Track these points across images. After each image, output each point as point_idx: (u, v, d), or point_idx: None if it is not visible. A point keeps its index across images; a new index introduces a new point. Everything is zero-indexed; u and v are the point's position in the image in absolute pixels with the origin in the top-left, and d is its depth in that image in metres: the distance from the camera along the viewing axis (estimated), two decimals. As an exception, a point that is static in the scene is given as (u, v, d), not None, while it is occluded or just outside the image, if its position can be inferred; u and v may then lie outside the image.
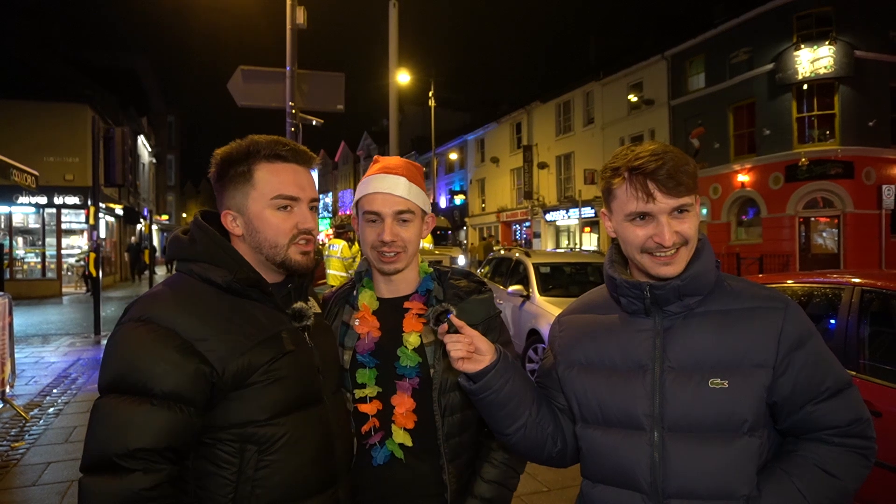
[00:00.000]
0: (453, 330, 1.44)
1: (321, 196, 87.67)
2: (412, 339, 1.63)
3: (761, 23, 21.32)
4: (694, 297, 1.38)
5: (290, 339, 1.42)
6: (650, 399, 1.36)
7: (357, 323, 1.68)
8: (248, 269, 1.41)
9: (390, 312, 1.68)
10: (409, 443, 1.59)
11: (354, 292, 1.75)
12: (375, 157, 1.77)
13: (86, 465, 1.23)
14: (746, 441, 1.31)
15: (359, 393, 1.62)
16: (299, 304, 1.48)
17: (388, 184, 1.64)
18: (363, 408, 1.61)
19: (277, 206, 1.42)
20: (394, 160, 1.71)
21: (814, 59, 19.88)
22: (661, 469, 1.33)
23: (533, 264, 8.67)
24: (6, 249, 18.96)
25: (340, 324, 1.70)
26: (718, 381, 1.31)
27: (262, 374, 1.33)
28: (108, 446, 1.19)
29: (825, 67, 19.74)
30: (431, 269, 1.77)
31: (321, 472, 1.42)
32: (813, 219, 21.03)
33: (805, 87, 20.43)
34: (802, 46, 20.06)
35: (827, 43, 19.63)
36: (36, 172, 9.16)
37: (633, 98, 27.78)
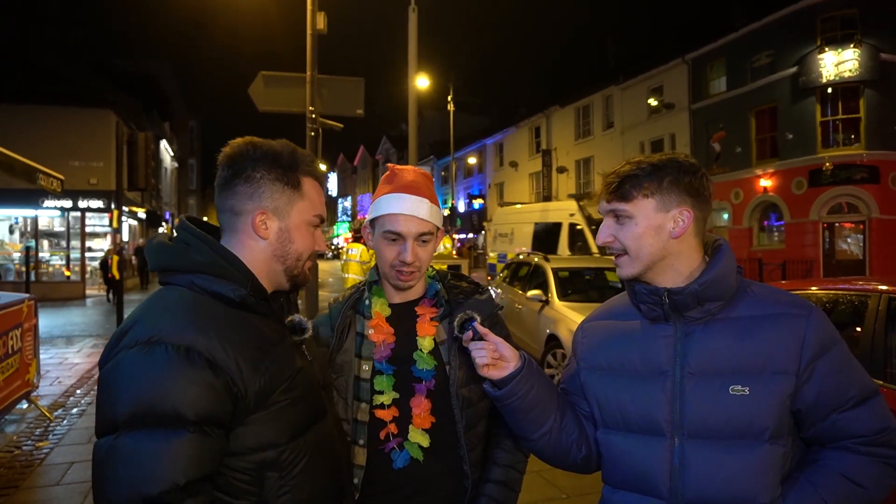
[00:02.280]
0: (478, 337, 1.46)
1: (339, 200, 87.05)
2: (427, 343, 1.67)
3: (784, 26, 21.07)
4: (714, 303, 1.37)
5: (297, 355, 1.36)
6: (670, 405, 1.36)
7: (372, 332, 1.70)
8: (256, 281, 1.31)
9: (403, 317, 1.72)
10: (425, 443, 1.63)
11: (366, 301, 1.76)
12: (390, 167, 1.77)
13: None
14: (768, 449, 1.30)
15: (377, 399, 1.64)
16: (297, 317, 1.41)
17: (411, 205, 1.66)
18: (380, 414, 1.64)
19: (314, 224, 1.40)
20: (412, 175, 1.72)
21: (838, 62, 19.61)
22: (681, 475, 1.33)
23: (552, 269, 8.62)
24: (32, 252, 19.30)
25: (355, 335, 1.72)
26: (739, 387, 1.30)
27: (282, 392, 1.24)
28: (151, 487, 1.05)
29: (850, 70, 19.46)
30: (434, 272, 1.82)
31: (334, 487, 1.40)
32: (837, 224, 20.70)
33: (829, 90, 20.15)
34: (826, 49, 19.79)
35: (852, 46, 19.35)
36: (61, 176, 9.29)
37: (653, 102, 27.60)
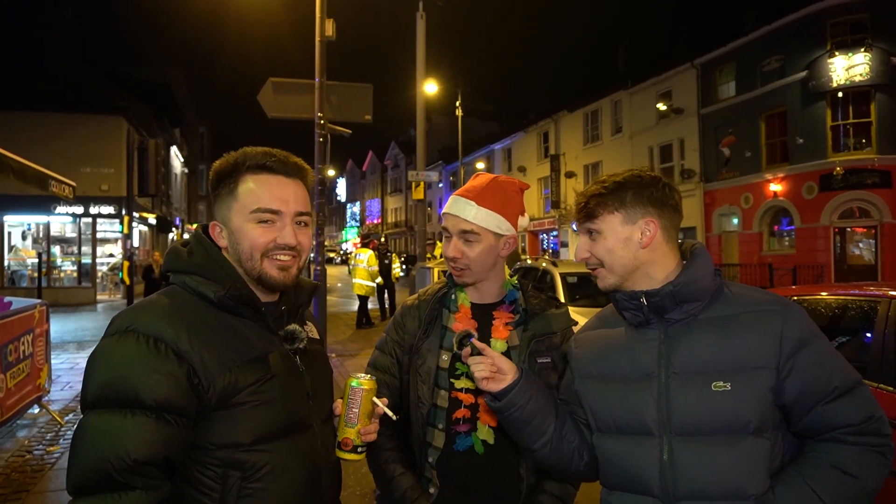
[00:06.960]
0: (476, 352, 1.54)
1: (348, 205, 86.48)
2: (499, 346, 1.77)
3: (794, 30, 21.00)
4: (693, 304, 1.44)
5: (280, 362, 1.37)
6: (657, 405, 1.41)
7: (456, 321, 1.81)
8: (242, 285, 1.37)
9: (480, 318, 1.83)
10: (491, 440, 1.74)
11: (451, 296, 1.88)
12: (476, 173, 1.91)
13: (77, 487, 1.16)
14: (753, 442, 1.34)
15: (457, 384, 1.76)
16: (292, 327, 1.44)
17: (458, 207, 1.80)
18: (459, 395, 1.75)
19: (258, 220, 1.38)
20: (481, 181, 1.83)
21: (849, 67, 19.50)
22: (671, 473, 1.38)
23: (560, 274, 8.61)
24: (44, 258, 19.46)
25: (440, 327, 1.84)
26: (721, 384, 1.36)
27: (249, 395, 1.28)
28: (103, 463, 1.13)
29: (861, 75, 19.34)
30: (516, 282, 1.92)
31: (309, 502, 1.38)
32: (849, 229, 20.56)
33: (840, 94, 20.04)
34: (837, 53, 19.69)
35: (862, 50, 19.25)
36: (73, 183, 9.37)
37: (661, 107, 27.54)
